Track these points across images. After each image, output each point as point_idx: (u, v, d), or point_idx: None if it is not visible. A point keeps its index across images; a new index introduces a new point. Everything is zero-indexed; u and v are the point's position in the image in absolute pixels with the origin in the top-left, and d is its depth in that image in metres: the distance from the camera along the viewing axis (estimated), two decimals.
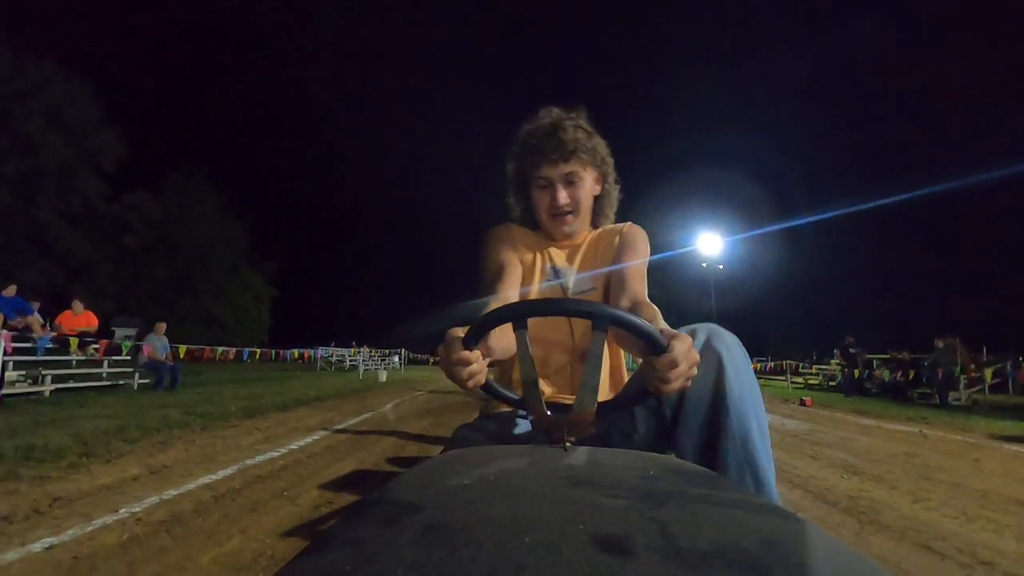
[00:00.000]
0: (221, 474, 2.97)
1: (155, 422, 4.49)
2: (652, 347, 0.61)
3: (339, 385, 10.28)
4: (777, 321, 36.08)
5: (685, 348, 0.61)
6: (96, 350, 7.23)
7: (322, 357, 17.03)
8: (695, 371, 0.63)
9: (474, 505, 0.35)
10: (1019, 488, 3.25)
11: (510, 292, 1.04)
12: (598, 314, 0.59)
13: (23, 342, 6.45)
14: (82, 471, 2.91)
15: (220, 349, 8.85)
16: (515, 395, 0.71)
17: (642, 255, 1.11)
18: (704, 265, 22.81)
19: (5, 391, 5.46)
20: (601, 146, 1.10)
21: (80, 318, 7.78)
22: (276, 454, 3.59)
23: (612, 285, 1.07)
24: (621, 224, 1.19)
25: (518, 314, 0.62)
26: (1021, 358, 11.54)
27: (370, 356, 20.02)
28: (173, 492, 2.58)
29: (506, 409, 1.03)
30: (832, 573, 0.28)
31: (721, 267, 23.36)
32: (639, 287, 1.04)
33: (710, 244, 22.32)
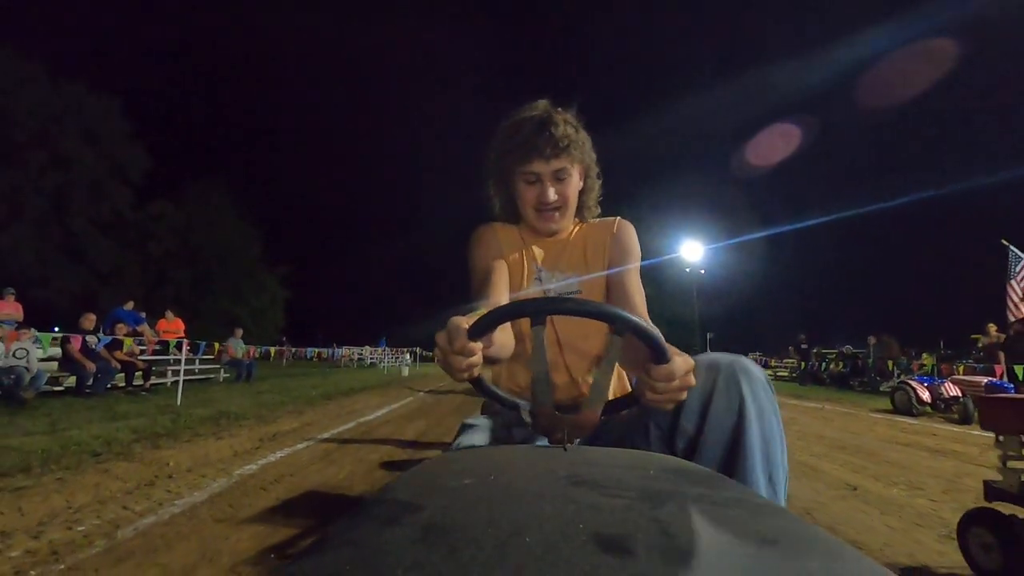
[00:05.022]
0: (351, 424, 4.95)
1: (273, 401, 6.47)
2: (656, 355, 0.62)
3: (373, 379, 12.26)
4: (769, 320, 38.26)
5: (685, 367, 0.62)
6: (188, 350, 9.20)
7: (359, 356, 19.30)
8: (684, 395, 0.64)
9: (474, 505, 0.36)
10: (834, 432, 5.25)
11: (501, 295, 1.02)
12: (616, 317, 0.59)
13: (143, 346, 8.42)
14: (268, 423, 4.88)
15: (292, 349, 10.84)
16: (505, 395, 0.71)
17: (636, 259, 1.12)
18: (687, 270, 24.89)
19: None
20: (587, 141, 1.10)
21: (172, 324, 9.76)
22: (373, 416, 5.59)
23: (611, 292, 1.09)
24: (609, 219, 1.17)
25: (536, 311, 0.61)
26: (974, 351, 13.38)
27: (385, 354, 22.15)
28: (336, 431, 4.56)
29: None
30: (832, 573, 0.29)
31: (703, 272, 25.50)
32: (639, 298, 1.06)
33: (692, 251, 24.46)
